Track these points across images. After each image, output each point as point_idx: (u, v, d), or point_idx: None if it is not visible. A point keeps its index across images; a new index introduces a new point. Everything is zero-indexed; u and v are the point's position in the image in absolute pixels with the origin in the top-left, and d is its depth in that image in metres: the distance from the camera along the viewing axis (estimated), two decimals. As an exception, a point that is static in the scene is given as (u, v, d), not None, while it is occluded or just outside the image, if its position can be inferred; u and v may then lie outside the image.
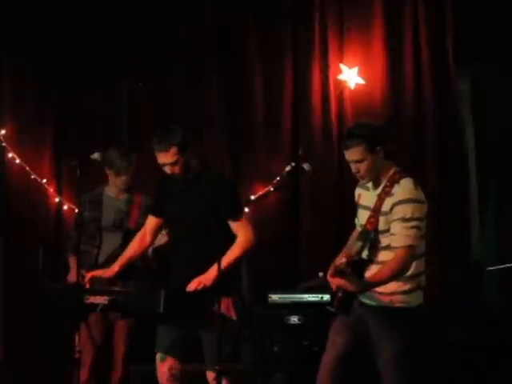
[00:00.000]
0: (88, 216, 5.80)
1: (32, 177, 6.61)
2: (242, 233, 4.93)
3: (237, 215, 4.93)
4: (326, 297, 5.87)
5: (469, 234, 6.31)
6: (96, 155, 5.36)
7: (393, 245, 4.29)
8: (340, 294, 4.33)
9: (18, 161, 6.63)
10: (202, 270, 4.83)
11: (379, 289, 4.35)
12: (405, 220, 4.26)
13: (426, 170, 6.26)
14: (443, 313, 5.69)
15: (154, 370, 5.07)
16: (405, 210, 4.27)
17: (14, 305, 6.50)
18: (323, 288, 5.92)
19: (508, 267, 5.34)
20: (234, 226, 4.92)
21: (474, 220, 6.39)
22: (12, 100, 6.73)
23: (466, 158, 6.39)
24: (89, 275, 5.03)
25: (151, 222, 5.15)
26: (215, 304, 4.78)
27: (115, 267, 5.10)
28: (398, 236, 4.27)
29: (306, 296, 5.95)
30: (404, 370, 4.36)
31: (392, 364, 4.36)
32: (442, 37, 6.33)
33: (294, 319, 5.90)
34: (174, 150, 4.79)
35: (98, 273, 5.09)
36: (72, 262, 5.81)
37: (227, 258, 4.83)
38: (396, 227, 4.27)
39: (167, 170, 4.88)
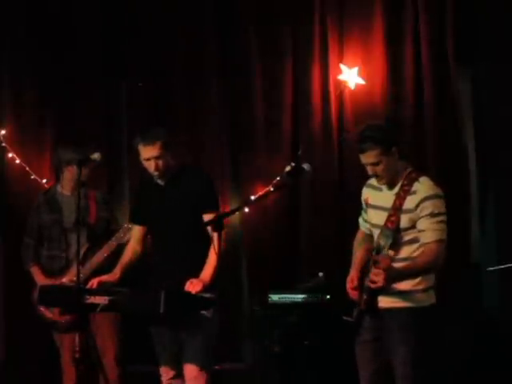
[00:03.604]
0: (47, 219, 5.71)
1: (32, 177, 6.61)
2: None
3: (211, 207, 4.95)
4: (326, 297, 5.88)
5: (469, 234, 6.32)
6: (96, 155, 5.36)
7: (423, 241, 4.37)
8: (365, 297, 4.41)
9: (18, 161, 6.63)
10: (190, 268, 4.86)
11: (394, 285, 4.39)
12: (433, 215, 4.36)
13: (425, 170, 6.24)
14: (442, 313, 5.69)
15: (152, 371, 5.08)
16: (433, 206, 4.37)
17: (14, 304, 6.49)
18: (323, 288, 5.94)
19: (508, 267, 5.33)
20: (208, 218, 4.88)
21: (474, 220, 6.39)
22: (12, 100, 6.73)
23: (466, 158, 6.39)
24: (96, 281, 4.99)
25: (137, 231, 5.19)
26: (215, 304, 4.79)
27: (117, 273, 5.08)
28: (428, 232, 4.36)
29: (305, 296, 5.96)
30: (416, 372, 4.40)
31: (404, 365, 4.39)
32: (442, 37, 6.34)
33: (294, 319, 5.90)
34: (158, 144, 4.91)
35: (103, 278, 5.05)
36: (36, 272, 5.71)
37: (211, 264, 4.85)
38: (425, 223, 4.36)
39: (151, 165, 4.94)
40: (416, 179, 4.44)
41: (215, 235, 4.69)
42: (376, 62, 6.44)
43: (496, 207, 6.34)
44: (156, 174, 4.96)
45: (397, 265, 4.38)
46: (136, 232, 5.19)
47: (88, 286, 4.97)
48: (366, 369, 4.54)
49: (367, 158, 4.42)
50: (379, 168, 4.42)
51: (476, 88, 6.48)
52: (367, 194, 4.64)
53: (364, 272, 4.50)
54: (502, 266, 5.45)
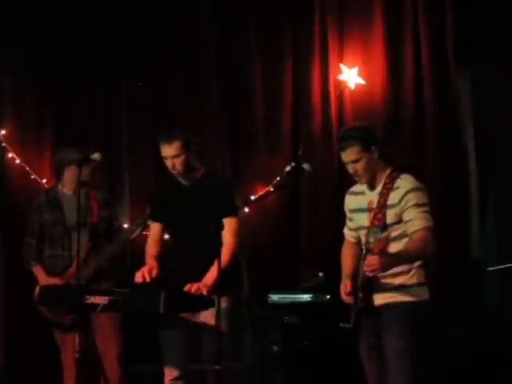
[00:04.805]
0: (49, 219, 5.70)
1: (32, 177, 6.62)
2: (231, 234, 4.94)
3: (231, 213, 4.96)
4: (326, 297, 5.88)
5: (469, 233, 6.32)
6: (96, 155, 5.37)
7: (412, 229, 4.41)
8: (361, 295, 4.45)
9: (18, 161, 6.64)
10: (203, 271, 4.88)
11: (388, 281, 4.43)
12: (419, 205, 4.42)
13: (425, 170, 6.26)
14: (443, 313, 5.70)
15: (155, 371, 5.07)
16: (417, 197, 4.43)
17: (14, 305, 6.49)
18: (323, 288, 5.94)
19: (508, 267, 5.34)
20: (227, 222, 4.89)
21: (474, 220, 6.39)
22: (12, 100, 6.73)
23: (466, 158, 6.39)
24: (147, 272, 4.95)
25: (156, 228, 5.19)
26: (215, 304, 4.79)
27: (154, 262, 5.06)
28: (415, 220, 4.41)
29: (305, 296, 5.96)
30: (411, 366, 4.41)
31: (398, 360, 4.41)
32: (442, 37, 6.34)
33: (294, 319, 5.90)
34: (177, 143, 4.92)
35: (149, 269, 5.00)
36: (38, 271, 5.68)
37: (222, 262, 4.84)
38: (411, 213, 4.41)
39: (169, 163, 4.97)
40: (397, 177, 4.52)
41: (226, 239, 4.71)
42: (376, 62, 6.44)
43: (496, 207, 6.33)
44: (174, 172, 4.99)
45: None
46: (156, 229, 5.19)
47: (139, 280, 4.92)
48: (375, 369, 4.56)
49: (348, 155, 4.50)
50: (359, 165, 4.49)
51: (476, 88, 6.48)
52: (357, 200, 4.68)
53: (356, 275, 4.54)
54: (502, 266, 5.46)
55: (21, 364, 6.53)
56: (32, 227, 5.79)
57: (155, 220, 5.21)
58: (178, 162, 4.95)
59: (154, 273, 5.00)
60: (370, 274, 4.34)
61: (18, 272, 6.06)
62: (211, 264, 4.84)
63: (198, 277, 4.87)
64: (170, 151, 4.93)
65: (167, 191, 5.18)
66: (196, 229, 4.95)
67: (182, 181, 5.06)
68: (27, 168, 6.62)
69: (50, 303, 5.31)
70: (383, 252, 4.33)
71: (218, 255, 4.64)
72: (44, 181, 6.60)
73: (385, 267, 4.33)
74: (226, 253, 4.83)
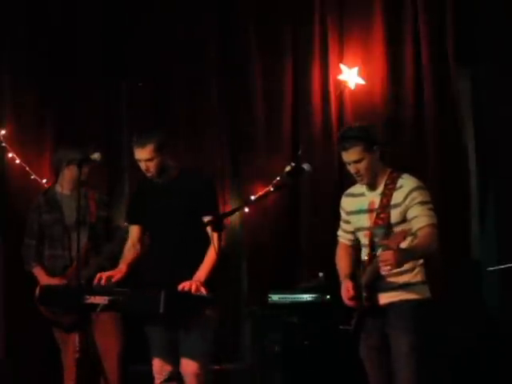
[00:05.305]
0: (49, 219, 5.72)
1: (32, 177, 6.62)
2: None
3: (210, 209, 4.93)
4: (326, 297, 5.88)
5: (469, 233, 6.32)
6: (96, 155, 5.38)
7: (417, 226, 4.42)
8: (365, 294, 4.45)
9: (18, 161, 6.63)
10: (186, 270, 4.85)
11: (392, 279, 4.43)
12: (423, 203, 4.45)
13: (425, 170, 6.25)
14: (443, 313, 5.69)
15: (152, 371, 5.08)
16: (421, 195, 4.46)
17: (14, 304, 6.49)
18: (323, 288, 5.94)
19: (508, 267, 5.34)
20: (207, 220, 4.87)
21: (474, 220, 6.39)
22: (12, 100, 6.73)
23: (466, 158, 6.39)
24: (105, 276, 4.94)
25: (134, 231, 5.14)
26: (216, 302, 4.80)
27: (123, 268, 5.03)
28: (420, 217, 4.43)
29: (305, 296, 5.96)
30: (417, 363, 4.42)
31: (404, 358, 4.42)
32: (442, 37, 6.34)
33: (294, 319, 5.90)
34: (149, 147, 4.89)
35: (112, 273, 4.99)
36: (39, 272, 5.69)
37: (208, 263, 4.85)
38: (416, 210, 4.43)
39: (143, 166, 4.95)
40: (399, 176, 4.54)
41: (215, 235, 4.68)
42: (376, 62, 6.44)
43: (496, 207, 6.33)
44: (148, 174, 4.97)
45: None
46: (135, 231, 5.15)
47: (96, 281, 4.93)
48: (376, 369, 4.57)
49: (350, 155, 4.50)
50: (362, 165, 4.49)
51: (476, 88, 6.48)
52: (356, 201, 4.67)
53: (355, 276, 4.55)
54: (502, 266, 5.46)
55: (21, 364, 6.53)
56: (31, 228, 5.79)
57: (132, 222, 5.17)
58: (152, 165, 4.91)
59: (117, 277, 4.95)
60: (385, 270, 4.30)
61: (18, 272, 6.07)
62: (190, 263, 4.83)
63: (181, 276, 4.83)
64: (143, 154, 4.90)
65: (142, 192, 5.15)
66: (171, 227, 4.93)
67: (158, 180, 5.02)
68: (27, 168, 6.62)
69: (50, 303, 5.31)
70: (398, 248, 4.29)
71: (202, 254, 4.70)
72: (44, 181, 6.60)
73: (399, 263, 4.29)
74: (210, 252, 4.81)
